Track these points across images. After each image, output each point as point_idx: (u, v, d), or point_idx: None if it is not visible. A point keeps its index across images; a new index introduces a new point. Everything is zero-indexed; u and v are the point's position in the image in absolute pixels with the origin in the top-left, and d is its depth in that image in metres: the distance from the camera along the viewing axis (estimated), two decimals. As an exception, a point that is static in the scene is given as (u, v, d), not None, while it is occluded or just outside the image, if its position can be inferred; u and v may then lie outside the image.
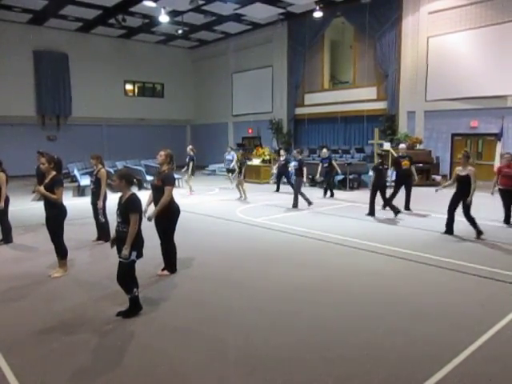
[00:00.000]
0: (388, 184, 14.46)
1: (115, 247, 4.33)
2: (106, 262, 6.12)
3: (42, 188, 5.42)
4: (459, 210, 7.61)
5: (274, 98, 22.60)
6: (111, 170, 12.20)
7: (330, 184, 13.13)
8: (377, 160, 9.93)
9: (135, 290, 4.31)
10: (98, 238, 7.37)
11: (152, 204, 5.55)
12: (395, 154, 15.51)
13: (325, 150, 13.41)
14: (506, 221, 8.55)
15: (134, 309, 4.32)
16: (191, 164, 13.31)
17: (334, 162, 13.05)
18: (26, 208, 10.55)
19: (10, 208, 7.52)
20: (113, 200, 5.32)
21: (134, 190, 4.36)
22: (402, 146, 10.91)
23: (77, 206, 10.07)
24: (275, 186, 14.62)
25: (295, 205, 10.86)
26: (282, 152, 14.37)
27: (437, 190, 8.19)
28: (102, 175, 7.12)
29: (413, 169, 10.13)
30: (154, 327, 4.09)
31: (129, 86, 25.18)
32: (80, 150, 20.09)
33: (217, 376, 3.26)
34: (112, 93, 23.72)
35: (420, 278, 5.46)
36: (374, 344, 3.72)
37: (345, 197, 12.84)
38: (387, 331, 3.96)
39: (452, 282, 5.35)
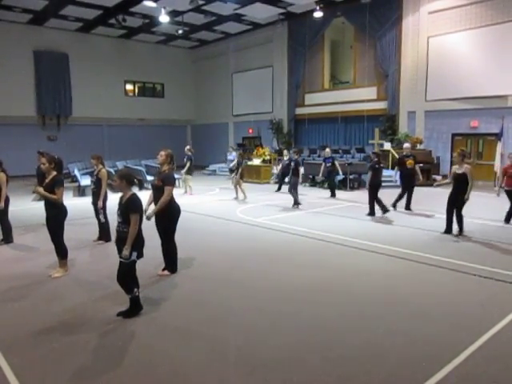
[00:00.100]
0: (394, 183, 14.54)
1: (116, 247, 4.34)
2: (106, 261, 6.12)
3: (41, 189, 5.42)
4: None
5: (274, 98, 22.61)
6: (112, 170, 12.20)
7: (331, 184, 13.14)
8: (372, 159, 9.93)
9: (136, 290, 4.31)
10: (99, 238, 7.38)
11: (152, 204, 5.55)
12: (396, 154, 15.57)
13: (328, 150, 13.42)
14: (507, 219, 8.56)
15: (135, 309, 4.32)
16: (189, 164, 13.38)
17: (336, 162, 13.06)
18: (27, 208, 10.56)
19: (11, 208, 7.53)
20: (113, 200, 5.31)
21: (135, 190, 4.37)
22: (407, 145, 10.89)
23: (77, 206, 10.07)
24: (276, 186, 14.62)
25: (296, 204, 10.87)
26: (285, 152, 14.42)
27: (435, 186, 8.19)
28: (103, 175, 7.12)
29: (417, 168, 10.12)
30: (154, 327, 4.09)
31: (129, 86, 25.19)
32: (80, 150, 20.13)
33: (217, 376, 3.26)
34: (112, 93, 23.74)
35: (420, 278, 5.46)
36: (374, 344, 3.71)
37: (345, 197, 12.83)
38: (387, 331, 3.96)
39: (452, 282, 5.35)
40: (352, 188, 14.65)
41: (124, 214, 4.17)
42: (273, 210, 10.57)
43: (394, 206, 10.09)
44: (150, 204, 5.61)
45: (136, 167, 17.05)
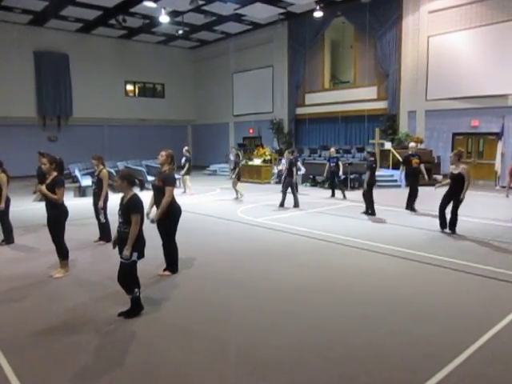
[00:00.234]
0: (395, 183, 14.52)
1: (117, 247, 4.34)
2: (107, 262, 6.12)
3: (43, 187, 5.42)
4: (460, 209, 7.61)
5: (274, 98, 22.61)
6: (112, 171, 12.20)
7: (333, 184, 13.14)
8: (368, 158, 9.94)
9: (136, 290, 4.31)
10: (100, 239, 7.38)
11: (154, 206, 5.55)
12: (396, 154, 15.57)
13: (333, 149, 13.41)
14: None
15: (136, 309, 4.32)
16: (187, 165, 13.46)
17: (340, 163, 13.04)
18: (27, 208, 10.57)
19: (12, 208, 7.53)
20: (114, 200, 5.31)
21: (136, 190, 4.37)
22: (412, 144, 10.87)
23: (78, 206, 10.07)
24: (277, 186, 14.61)
25: (296, 204, 10.88)
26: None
27: (436, 188, 8.22)
28: (104, 176, 7.13)
29: (422, 168, 10.08)
30: (155, 327, 4.09)
31: (129, 87, 25.19)
32: (81, 150, 20.10)
33: (218, 376, 3.26)
34: (113, 93, 23.74)
35: (423, 278, 5.45)
36: (376, 344, 3.71)
37: (346, 196, 12.81)
38: (389, 331, 3.95)
39: (455, 282, 5.34)
40: (353, 188, 14.64)
41: (125, 214, 4.17)
42: (273, 210, 10.56)
43: (412, 208, 9.95)
44: (151, 207, 5.61)
45: (137, 167, 17.06)
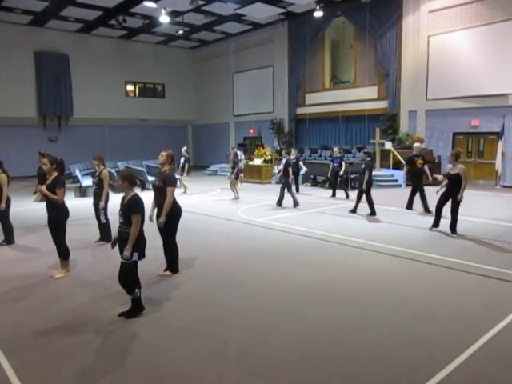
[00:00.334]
0: (400, 183, 14.47)
1: (117, 247, 4.34)
2: (108, 262, 6.12)
3: (43, 187, 5.43)
4: (461, 209, 7.60)
5: (275, 98, 22.61)
6: (113, 171, 12.21)
7: (334, 184, 13.14)
8: (365, 158, 9.92)
9: (137, 290, 4.31)
10: (101, 239, 7.38)
11: (156, 208, 5.55)
12: (397, 154, 15.56)
13: (336, 149, 13.39)
14: None
15: (137, 309, 4.32)
16: (186, 165, 13.50)
17: (343, 163, 13.01)
18: (28, 209, 10.58)
19: (12, 209, 7.54)
20: (115, 201, 5.31)
21: (137, 190, 4.37)
22: (417, 145, 10.82)
23: (78, 206, 10.07)
24: (278, 186, 14.60)
25: (296, 204, 10.88)
26: (292, 151, 14.49)
27: (438, 192, 8.12)
28: (105, 176, 7.13)
29: (426, 168, 10.05)
30: (156, 327, 4.09)
31: (130, 87, 25.19)
32: (81, 150, 20.14)
33: (218, 376, 3.26)
34: (113, 93, 23.75)
35: (425, 279, 5.45)
36: (377, 344, 3.70)
37: (349, 196, 12.79)
38: (390, 331, 3.95)
39: (457, 282, 5.33)
40: (353, 188, 14.61)
41: (126, 214, 4.17)
42: (274, 210, 10.56)
43: (428, 210, 9.69)
44: (154, 209, 5.61)
45: (137, 168, 17.08)
